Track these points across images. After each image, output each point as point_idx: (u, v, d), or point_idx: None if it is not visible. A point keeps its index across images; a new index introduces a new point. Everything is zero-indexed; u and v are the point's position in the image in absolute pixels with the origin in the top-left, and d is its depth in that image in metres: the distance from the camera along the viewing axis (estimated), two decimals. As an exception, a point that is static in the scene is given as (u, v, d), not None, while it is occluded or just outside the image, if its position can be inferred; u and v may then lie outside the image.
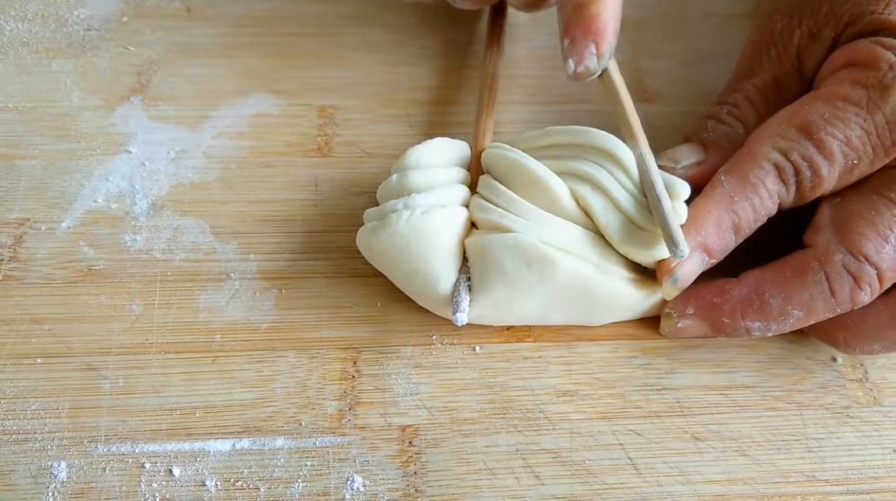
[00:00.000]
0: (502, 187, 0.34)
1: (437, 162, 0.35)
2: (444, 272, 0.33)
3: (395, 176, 0.35)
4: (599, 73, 0.35)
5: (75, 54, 0.45)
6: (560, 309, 0.33)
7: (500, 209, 0.33)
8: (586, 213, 0.33)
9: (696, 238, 0.32)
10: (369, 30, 0.47)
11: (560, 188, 0.33)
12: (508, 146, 0.35)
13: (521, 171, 0.33)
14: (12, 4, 0.47)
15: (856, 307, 0.32)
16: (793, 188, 0.33)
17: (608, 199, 0.33)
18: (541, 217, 0.33)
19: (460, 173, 0.35)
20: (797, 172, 0.32)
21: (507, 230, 0.32)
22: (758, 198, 0.33)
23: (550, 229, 0.32)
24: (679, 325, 0.34)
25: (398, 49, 0.46)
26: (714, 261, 0.33)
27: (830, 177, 0.32)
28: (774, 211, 0.33)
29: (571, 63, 0.35)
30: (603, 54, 0.34)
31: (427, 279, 0.33)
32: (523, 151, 0.34)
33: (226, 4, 0.48)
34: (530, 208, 0.33)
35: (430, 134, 0.42)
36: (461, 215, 0.34)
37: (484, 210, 0.33)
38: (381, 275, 0.35)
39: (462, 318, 0.32)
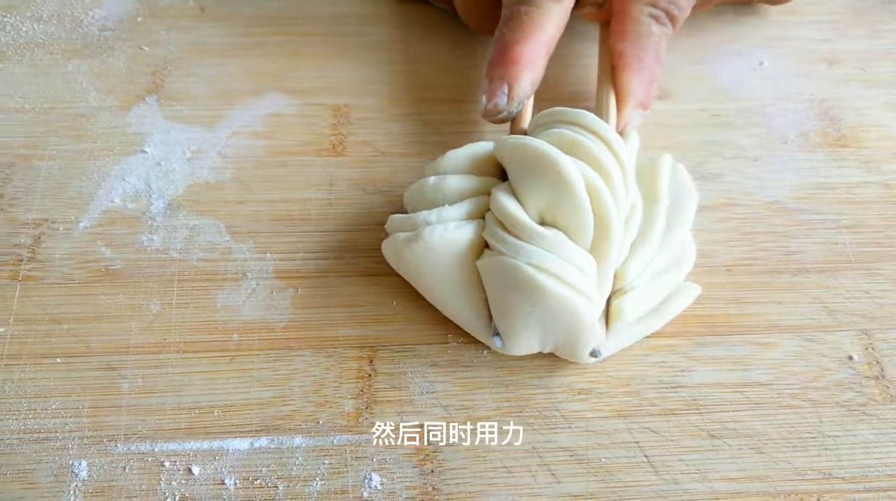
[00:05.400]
0: (505, 203, 0.32)
1: (473, 167, 0.35)
2: (467, 291, 0.33)
3: (432, 179, 0.34)
4: (512, 114, 0.37)
5: (91, 55, 0.45)
6: (557, 340, 0.32)
7: (497, 230, 0.32)
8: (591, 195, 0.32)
9: (633, 106, 0.37)
10: (381, 28, 0.48)
11: (566, 161, 0.31)
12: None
13: (528, 152, 0.32)
14: (28, 6, 0.48)
15: None
16: (670, 24, 0.39)
17: (608, 180, 0.32)
18: (536, 237, 0.31)
19: (492, 183, 0.35)
20: (668, 13, 0.39)
21: (500, 253, 0.32)
22: (659, 47, 0.39)
23: (546, 249, 0.31)
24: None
25: (410, 47, 0.47)
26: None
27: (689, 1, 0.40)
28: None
29: (483, 99, 0.37)
30: (514, 97, 0.37)
31: (454, 297, 0.33)
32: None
33: (240, 4, 0.48)
34: (527, 226, 0.31)
35: (443, 132, 0.42)
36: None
37: (489, 231, 0.33)
38: (396, 274, 0.35)
39: (499, 341, 0.32)
